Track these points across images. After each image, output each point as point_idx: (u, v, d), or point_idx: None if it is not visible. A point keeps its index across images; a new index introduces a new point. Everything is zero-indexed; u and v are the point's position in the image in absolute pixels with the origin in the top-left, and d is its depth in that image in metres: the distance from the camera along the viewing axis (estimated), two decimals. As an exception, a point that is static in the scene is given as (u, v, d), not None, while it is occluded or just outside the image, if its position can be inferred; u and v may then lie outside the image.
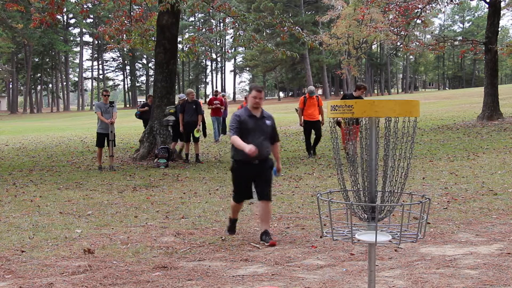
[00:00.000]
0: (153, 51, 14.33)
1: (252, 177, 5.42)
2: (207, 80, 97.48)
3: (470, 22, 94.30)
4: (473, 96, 36.82)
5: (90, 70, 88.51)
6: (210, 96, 15.65)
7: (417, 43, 24.07)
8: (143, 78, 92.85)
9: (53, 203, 7.84)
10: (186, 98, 12.76)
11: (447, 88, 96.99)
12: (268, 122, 5.45)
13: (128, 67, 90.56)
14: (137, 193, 8.55)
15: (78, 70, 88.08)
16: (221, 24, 69.49)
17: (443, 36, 26.49)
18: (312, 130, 12.56)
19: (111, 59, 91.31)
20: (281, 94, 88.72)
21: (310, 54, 62.64)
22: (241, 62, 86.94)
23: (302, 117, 12.49)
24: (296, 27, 14.37)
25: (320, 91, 63.72)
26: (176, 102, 13.51)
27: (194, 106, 12.53)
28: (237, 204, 5.62)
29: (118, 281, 4.27)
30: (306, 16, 65.99)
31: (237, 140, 5.22)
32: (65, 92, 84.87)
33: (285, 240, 5.42)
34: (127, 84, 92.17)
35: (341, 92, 73.58)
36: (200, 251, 5.13)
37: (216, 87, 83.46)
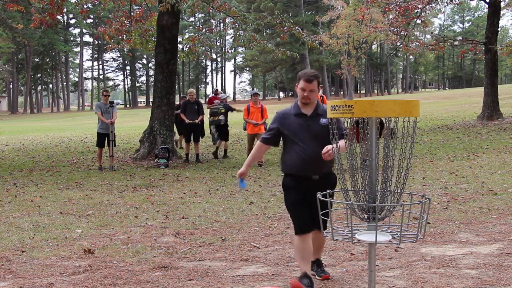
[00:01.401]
0: (153, 51, 14.33)
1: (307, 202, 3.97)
2: (207, 80, 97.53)
3: (470, 22, 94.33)
4: (473, 96, 36.81)
5: (90, 70, 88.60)
6: (210, 95, 15.58)
7: (417, 43, 24.06)
8: (143, 78, 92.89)
9: (54, 203, 7.84)
10: (188, 99, 12.78)
11: (447, 88, 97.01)
12: (323, 120, 3.94)
13: (128, 67, 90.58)
14: (137, 193, 8.55)
15: (78, 70, 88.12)
16: (221, 24, 69.45)
17: (443, 36, 26.48)
18: None
19: (111, 59, 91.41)
20: (281, 94, 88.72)
21: (310, 54, 62.62)
22: (241, 62, 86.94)
23: None
24: (296, 27, 14.38)
25: (320, 92, 63.48)
26: (177, 102, 13.53)
27: (196, 107, 12.59)
28: (301, 237, 3.95)
29: (119, 281, 4.27)
30: (306, 16, 65.98)
31: (255, 148, 4.28)
32: (65, 92, 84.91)
33: (285, 240, 5.42)
34: (127, 84, 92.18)
35: (341, 92, 73.60)
36: (200, 251, 5.13)
37: (216, 86, 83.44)
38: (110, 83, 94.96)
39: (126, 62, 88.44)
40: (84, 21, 73.01)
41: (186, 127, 12.62)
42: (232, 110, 13.35)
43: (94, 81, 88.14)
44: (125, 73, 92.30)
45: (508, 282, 3.94)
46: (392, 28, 20.90)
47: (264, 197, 7.86)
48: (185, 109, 12.53)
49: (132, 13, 15.09)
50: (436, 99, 43.03)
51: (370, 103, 2.99)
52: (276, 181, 9.30)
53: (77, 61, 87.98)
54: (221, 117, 12.91)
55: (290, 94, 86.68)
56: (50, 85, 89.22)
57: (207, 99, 14.79)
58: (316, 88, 3.93)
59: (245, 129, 11.77)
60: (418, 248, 4.94)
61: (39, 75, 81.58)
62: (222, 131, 13.13)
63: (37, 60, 77.73)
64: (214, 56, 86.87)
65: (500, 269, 4.25)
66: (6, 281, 4.36)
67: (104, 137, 11.55)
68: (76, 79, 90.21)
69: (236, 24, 14.85)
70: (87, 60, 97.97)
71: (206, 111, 13.22)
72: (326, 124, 3.81)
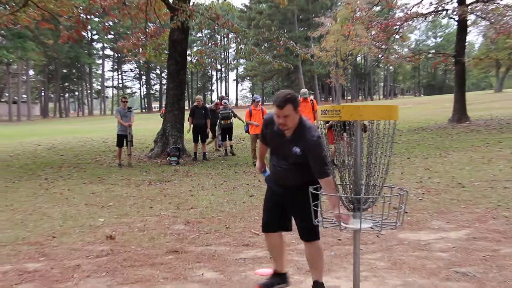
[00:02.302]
0: (165, 63, 14.32)
1: (281, 204, 3.46)
2: (212, 88, 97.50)
3: (442, 38, 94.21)
4: (445, 102, 36.79)
5: (111, 79, 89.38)
6: (216, 101, 15.54)
7: (396, 56, 24.04)
8: (157, 86, 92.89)
9: (80, 195, 7.84)
10: (195, 104, 12.79)
11: (422, 95, 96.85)
12: (296, 149, 3.21)
13: (144, 77, 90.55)
14: (152, 187, 8.55)
15: (100, 79, 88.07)
16: (225, 39, 69.38)
17: (419, 49, 26.45)
18: None
19: (129, 70, 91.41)
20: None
21: (303, 65, 62.63)
22: (242, 72, 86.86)
23: None
24: (291, 42, 14.38)
25: (311, 97, 63.42)
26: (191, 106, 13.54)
27: (203, 111, 12.59)
28: (265, 234, 3.59)
29: (136, 263, 4.28)
30: (299, 32, 65.96)
31: (259, 149, 3.79)
32: (89, 99, 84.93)
33: (281, 228, 5.42)
34: (143, 91, 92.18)
35: (330, 98, 73.52)
36: (207, 237, 5.13)
37: (221, 93, 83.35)
38: (128, 90, 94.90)
39: (142, 72, 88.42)
40: (106, 37, 73.05)
41: (194, 129, 12.61)
42: (235, 116, 13.68)
43: (114, 89, 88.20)
44: (141, 82, 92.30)
45: (474, 263, 3.95)
46: (375, 43, 20.91)
47: (263, 190, 7.85)
48: (193, 114, 12.54)
49: (147, 30, 15.07)
50: (413, 104, 42.99)
51: (356, 108, 3.00)
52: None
53: (100, 71, 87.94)
54: (232, 121, 13.47)
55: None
56: (76, 93, 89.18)
57: (214, 104, 14.74)
58: (291, 112, 3.15)
59: (246, 131, 11.73)
60: (397, 234, 4.95)
61: (66, 84, 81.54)
62: (229, 132, 13.51)
63: (65, 71, 77.69)
64: (219, 66, 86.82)
65: (467, 252, 4.26)
66: (40, 262, 4.37)
67: (123, 138, 11.55)
68: (99, 87, 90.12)
69: (238, 39, 14.86)
70: (108, 70, 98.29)
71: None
72: (297, 153, 3.20)
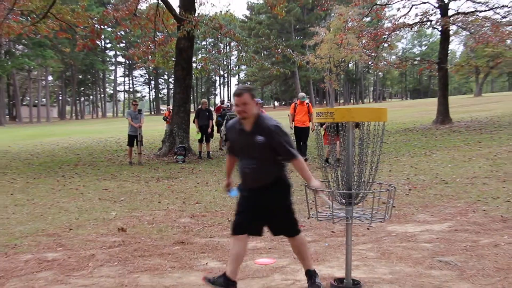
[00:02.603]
0: (173, 69, 14.32)
1: (253, 208, 3.21)
2: (216, 92, 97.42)
3: (426, 46, 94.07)
4: (429, 105, 36.76)
5: (123, 84, 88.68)
6: (218, 104, 15.61)
7: (385, 62, 24.02)
8: (165, 90, 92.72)
9: (94, 191, 7.84)
10: (201, 107, 12.78)
11: (408, 99, 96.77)
12: (259, 138, 3.10)
13: (152, 82, 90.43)
14: (160, 183, 8.55)
15: (113, 84, 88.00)
16: (228, 47, 69.51)
17: (405, 57, 26.45)
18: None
19: (139, 76, 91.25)
20: (276, 103, 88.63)
21: (299, 71, 62.59)
22: (243, 77, 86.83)
23: (293, 122, 11.06)
24: (288, 49, 14.38)
25: (307, 101, 63.27)
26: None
27: (207, 113, 12.58)
28: (233, 237, 3.23)
29: (146, 253, 4.28)
30: (296, 41, 65.90)
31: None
32: (103, 102, 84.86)
33: (279, 220, 5.41)
34: (152, 95, 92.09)
35: (324, 102, 73.48)
36: (211, 230, 5.13)
37: (222, 98, 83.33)
38: (138, 94, 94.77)
39: (151, 77, 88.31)
40: (118, 45, 72.92)
41: (199, 130, 12.57)
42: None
43: (125, 93, 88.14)
44: (150, 86, 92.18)
45: (456, 252, 3.95)
46: (365, 50, 20.89)
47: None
48: (199, 115, 12.52)
49: (156, 39, 15.07)
50: (400, 107, 42.96)
51: (348, 110, 3.00)
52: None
53: (112, 77, 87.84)
54: None
55: (283, 103, 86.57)
56: (91, 97, 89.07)
57: (215, 107, 14.77)
58: (248, 100, 3.08)
59: None
60: (385, 226, 4.94)
61: (82, 88, 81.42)
62: None
63: (80, 76, 77.58)
64: (221, 72, 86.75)
65: (449, 242, 4.26)
66: (58, 252, 4.37)
67: (133, 138, 11.54)
68: (111, 92, 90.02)
69: (240, 47, 14.86)
70: (120, 76, 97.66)
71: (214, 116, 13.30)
72: (261, 141, 3.06)
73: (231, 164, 3.48)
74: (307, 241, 4.13)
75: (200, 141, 12.62)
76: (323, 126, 8.50)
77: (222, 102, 16.50)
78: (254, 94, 3.17)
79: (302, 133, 11.02)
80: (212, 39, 76.31)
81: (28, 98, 66.57)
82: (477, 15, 18.13)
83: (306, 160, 10.90)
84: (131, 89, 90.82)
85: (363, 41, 20.44)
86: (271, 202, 3.16)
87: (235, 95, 3.12)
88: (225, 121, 13.68)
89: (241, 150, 3.25)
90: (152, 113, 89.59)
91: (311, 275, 3.27)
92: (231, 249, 3.20)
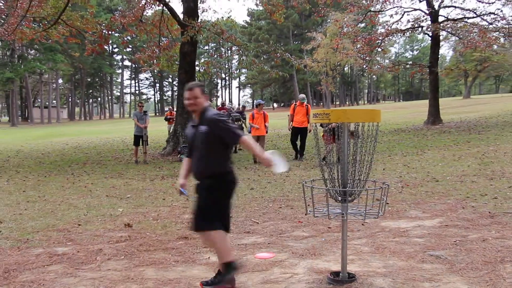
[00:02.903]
0: (177, 72, 14.31)
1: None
2: (218, 94, 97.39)
3: (418, 51, 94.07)
4: (421, 107, 36.79)
5: (129, 87, 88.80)
6: (219, 106, 15.67)
7: (379, 66, 24.01)
8: (169, 93, 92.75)
9: (101, 188, 7.84)
10: None
11: (401, 101, 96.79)
12: (202, 127, 3.13)
13: (157, 85, 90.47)
14: (164, 181, 8.54)
15: (120, 87, 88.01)
16: (229, 51, 69.53)
17: (398, 61, 26.41)
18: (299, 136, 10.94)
19: (145, 79, 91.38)
20: (275, 105, 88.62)
21: (297, 74, 62.56)
22: (244, 80, 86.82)
23: (292, 123, 10.98)
24: (286, 54, 14.38)
25: (305, 101, 63.09)
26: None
27: None
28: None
29: (151, 248, 4.27)
30: (294, 45, 65.89)
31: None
32: (110, 104, 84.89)
33: (278, 217, 5.41)
34: (157, 97, 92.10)
35: (321, 103, 73.44)
36: (213, 225, 5.11)
37: (223, 100, 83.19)
38: (144, 96, 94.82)
39: (156, 80, 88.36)
40: (125, 50, 72.91)
41: None
42: (239, 120, 13.94)
43: (131, 95, 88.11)
44: (155, 89, 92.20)
45: (446, 247, 3.94)
46: (360, 55, 20.87)
47: (262, 184, 7.85)
48: None
49: (160, 43, 15.06)
50: (393, 108, 42.96)
51: (343, 112, 2.99)
52: (271, 171, 9.29)
53: (119, 80, 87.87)
54: (241, 122, 13.77)
55: (282, 105, 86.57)
56: (99, 98, 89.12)
57: (217, 108, 14.79)
58: (198, 94, 3.16)
59: (249, 132, 11.67)
60: (379, 222, 4.94)
61: (90, 91, 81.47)
62: None
63: (89, 79, 77.64)
64: (223, 75, 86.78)
65: (440, 237, 4.25)
66: (68, 246, 4.36)
67: (139, 138, 11.54)
68: (118, 94, 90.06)
69: (240, 51, 14.85)
70: (126, 79, 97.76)
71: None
72: (204, 131, 3.09)
73: (188, 164, 3.39)
74: (305, 236, 4.10)
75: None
76: (324, 128, 8.50)
77: (223, 104, 16.49)
78: (204, 89, 3.24)
79: (299, 133, 10.92)
80: (214, 44, 76.34)
81: (39, 100, 66.62)
82: (465, 22, 18.16)
83: (300, 159, 10.83)
84: (137, 91, 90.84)
85: (358, 46, 20.42)
86: (200, 193, 3.14)
87: (187, 89, 3.19)
88: (230, 121, 13.73)
89: (192, 143, 3.25)
90: (157, 114, 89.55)
91: (220, 273, 3.17)
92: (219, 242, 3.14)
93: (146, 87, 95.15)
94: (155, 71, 21.78)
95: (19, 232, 4.94)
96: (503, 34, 17.06)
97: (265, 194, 6.84)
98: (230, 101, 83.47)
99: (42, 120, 59.68)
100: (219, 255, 3.13)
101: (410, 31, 19.49)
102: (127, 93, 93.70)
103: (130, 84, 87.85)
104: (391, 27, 19.73)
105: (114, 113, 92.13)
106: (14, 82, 50.40)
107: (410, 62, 31.46)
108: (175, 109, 15.08)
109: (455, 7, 18.94)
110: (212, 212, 3.10)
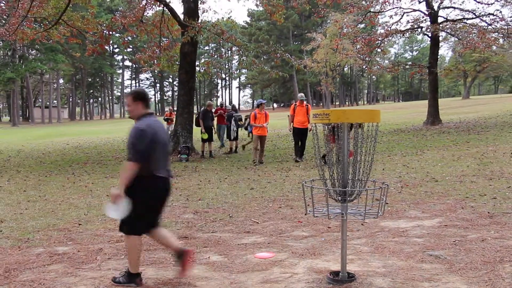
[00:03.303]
0: (177, 73, 14.31)
1: None
2: (218, 94, 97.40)
3: (417, 51, 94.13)
4: (420, 107, 36.78)
5: (130, 87, 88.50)
6: (217, 107, 15.69)
7: (378, 67, 24.00)
8: (169, 93, 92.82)
9: (102, 188, 7.83)
10: (206, 108, 12.80)
11: (400, 101, 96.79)
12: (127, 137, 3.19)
13: (158, 85, 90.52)
14: (165, 181, 8.52)
15: (120, 87, 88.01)
16: (229, 51, 69.60)
17: (397, 61, 26.42)
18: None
19: (145, 79, 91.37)
20: (275, 105, 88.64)
21: (297, 75, 62.54)
22: (244, 80, 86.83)
23: (292, 123, 10.79)
24: (286, 54, 14.37)
25: (305, 101, 63.03)
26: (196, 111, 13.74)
27: (211, 115, 12.64)
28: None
29: (151, 247, 4.27)
30: (294, 46, 65.90)
31: None
32: (111, 104, 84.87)
33: (277, 217, 5.41)
34: (157, 97, 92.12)
35: (321, 103, 73.46)
36: (213, 225, 5.12)
37: (224, 100, 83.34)
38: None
39: (156, 81, 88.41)
40: (125, 50, 72.91)
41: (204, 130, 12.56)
42: (241, 120, 14.01)
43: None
44: (156, 89, 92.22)
45: (445, 247, 3.94)
46: (359, 55, 20.86)
47: (262, 184, 7.85)
48: (204, 116, 12.51)
49: (161, 44, 15.06)
50: (393, 109, 42.95)
51: (343, 112, 2.99)
52: (271, 171, 9.29)
53: (120, 80, 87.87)
54: (243, 122, 13.87)
55: (281, 105, 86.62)
56: (100, 99, 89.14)
57: (215, 109, 14.75)
58: (129, 102, 3.25)
59: (250, 132, 11.63)
60: (379, 222, 4.94)
61: (91, 91, 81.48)
62: (236, 133, 13.71)
63: (89, 79, 77.65)
64: (223, 75, 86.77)
65: (439, 237, 4.25)
66: (68, 246, 4.36)
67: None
68: (119, 94, 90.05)
69: (240, 52, 14.83)
70: (127, 79, 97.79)
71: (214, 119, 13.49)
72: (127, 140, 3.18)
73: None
74: (305, 235, 4.09)
75: (204, 140, 12.61)
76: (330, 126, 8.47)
77: (222, 105, 16.49)
78: (136, 97, 3.25)
79: (301, 134, 10.75)
80: (215, 44, 76.32)
81: (40, 100, 66.61)
82: (464, 22, 18.16)
83: (298, 160, 10.72)
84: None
85: (358, 46, 20.41)
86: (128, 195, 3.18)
87: (126, 96, 3.32)
88: (233, 122, 13.60)
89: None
90: (157, 114, 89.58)
91: (124, 273, 3.31)
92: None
93: (147, 87, 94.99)
94: (156, 71, 21.77)
95: (20, 231, 4.94)
96: (502, 35, 17.06)
97: (265, 194, 6.84)
98: (230, 102, 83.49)
99: (43, 120, 59.68)
100: (129, 261, 3.29)
101: (409, 32, 19.49)
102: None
103: (131, 84, 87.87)
104: (390, 27, 19.75)
105: (115, 113, 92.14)
106: (15, 82, 50.42)
107: (410, 63, 31.49)
108: (175, 109, 15.07)
109: (454, 8, 18.95)
110: (134, 216, 3.19)
